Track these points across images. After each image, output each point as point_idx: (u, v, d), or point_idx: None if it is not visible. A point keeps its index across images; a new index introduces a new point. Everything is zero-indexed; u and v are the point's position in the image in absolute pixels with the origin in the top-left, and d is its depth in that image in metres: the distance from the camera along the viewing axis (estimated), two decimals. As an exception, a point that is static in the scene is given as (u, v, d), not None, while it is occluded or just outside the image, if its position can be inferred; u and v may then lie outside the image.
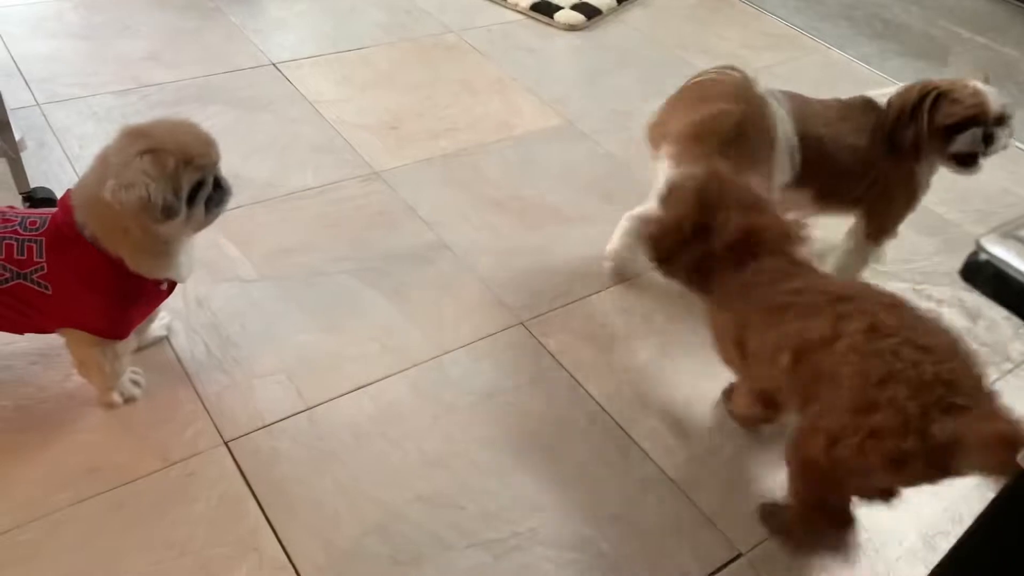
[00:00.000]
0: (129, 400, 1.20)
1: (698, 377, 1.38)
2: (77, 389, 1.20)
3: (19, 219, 1.05)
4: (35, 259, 1.04)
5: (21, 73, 1.85)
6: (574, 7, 2.43)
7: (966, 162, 1.40)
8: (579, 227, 1.68)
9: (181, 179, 1.01)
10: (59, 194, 1.49)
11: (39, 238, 1.04)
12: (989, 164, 2.02)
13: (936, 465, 0.94)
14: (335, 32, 2.20)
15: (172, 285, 1.16)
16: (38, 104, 1.77)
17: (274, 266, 1.48)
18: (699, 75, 1.42)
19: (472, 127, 1.93)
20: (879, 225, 1.51)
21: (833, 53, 2.48)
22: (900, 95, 1.41)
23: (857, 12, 2.80)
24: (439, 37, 2.26)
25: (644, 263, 1.36)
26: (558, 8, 2.41)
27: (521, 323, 1.44)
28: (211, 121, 1.80)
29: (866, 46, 2.57)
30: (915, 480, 1.00)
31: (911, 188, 1.47)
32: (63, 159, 1.63)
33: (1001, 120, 1.37)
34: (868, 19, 2.77)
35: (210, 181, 1.06)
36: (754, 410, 1.25)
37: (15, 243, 1.03)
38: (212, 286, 1.42)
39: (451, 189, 1.73)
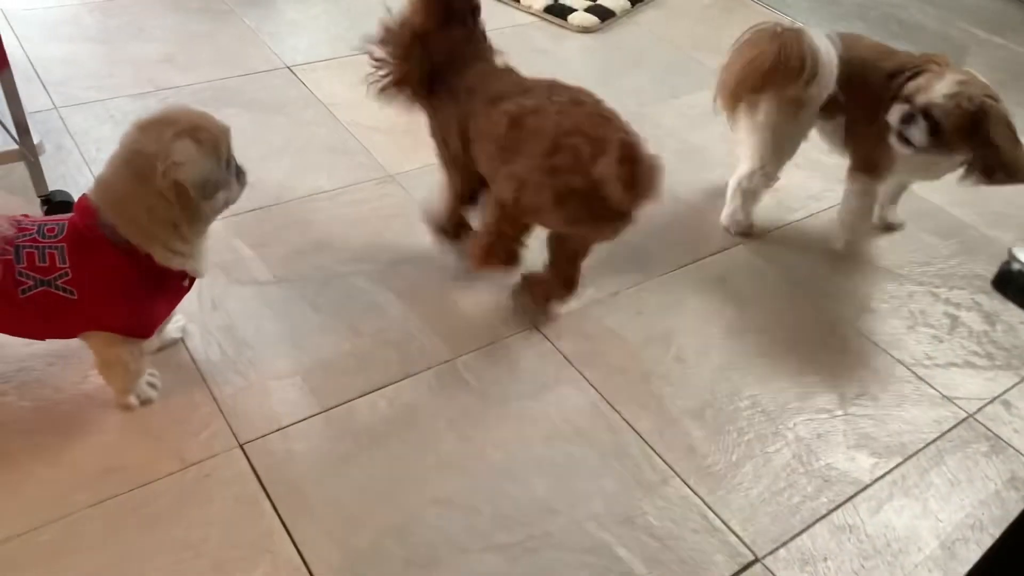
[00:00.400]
0: (145, 402, 1.21)
1: (715, 382, 1.38)
2: (94, 390, 1.21)
3: (36, 227, 1.06)
4: (58, 265, 1.04)
5: (39, 76, 1.86)
6: (587, 9, 2.42)
7: (899, 137, 1.43)
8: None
9: (221, 153, 1.08)
10: (77, 196, 1.51)
11: (60, 244, 1.05)
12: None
13: (593, 201, 1.20)
14: (349, 34, 2.21)
15: (191, 281, 1.16)
16: (56, 107, 1.78)
17: (289, 268, 1.48)
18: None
19: (486, 129, 1.93)
20: (858, 157, 1.59)
21: (848, 54, 2.47)
22: (911, 57, 1.51)
23: (872, 12, 2.79)
24: (453, 39, 2.26)
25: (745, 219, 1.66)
26: (572, 10, 2.41)
27: (535, 326, 1.43)
28: (228, 123, 1.80)
29: (882, 47, 2.55)
30: (578, 217, 1.25)
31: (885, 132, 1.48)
32: (80, 162, 1.64)
33: (926, 113, 1.38)
34: (883, 19, 2.75)
35: (232, 156, 1.13)
36: (454, 219, 1.50)
37: (36, 251, 1.04)
38: (227, 288, 1.42)
39: (465, 191, 1.72)
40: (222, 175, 1.09)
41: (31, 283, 1.04)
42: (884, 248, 1.72)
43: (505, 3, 2.47)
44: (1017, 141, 1.40)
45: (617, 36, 2.41)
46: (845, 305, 1.57)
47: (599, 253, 1.59)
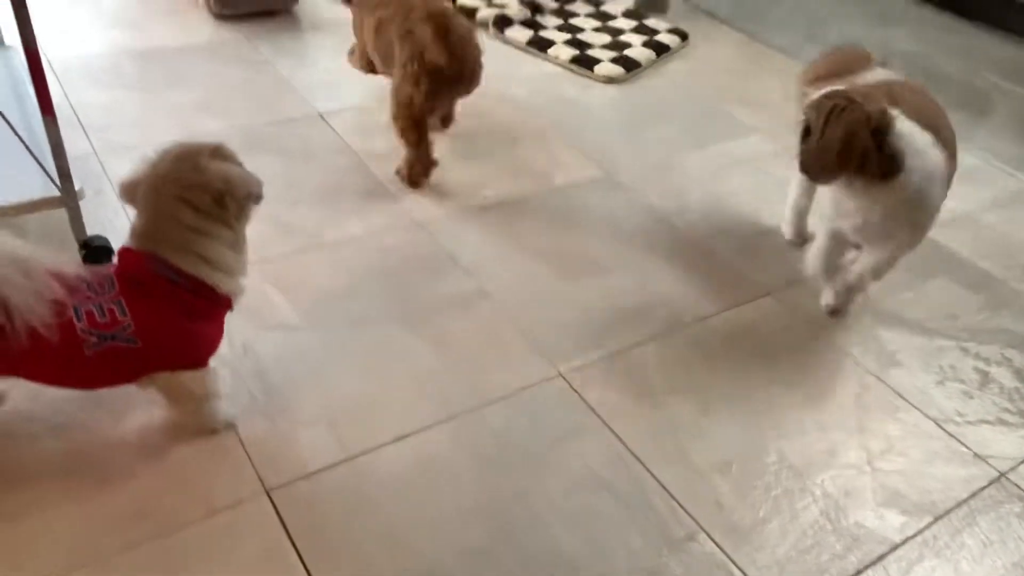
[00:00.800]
0: (229, 426, 1.25)
1: (741, 434, 1.37)
2: (126, 433, 1.23)
3: (84, 284, 1.07)
4: (119, 318, 1.06)
5: (80, 122, 1.92)
6: (613, 60, 2.46)
7: None
8: (620, 277, 1.68)
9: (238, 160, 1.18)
10: (115, 241, 1.54)
11: (117, 298, 1.07)
12: (1036, 219, 2.00)
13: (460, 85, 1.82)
14: (381, 84, 2.26)
15: (229, 305, 1.19)
16: (95, 152, 1.83)
17: (319, 313, 1.50)
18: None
19: (513, 177, 1.96)
20: None
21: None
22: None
23: (897, 63, 2.80)
24: (482, 88, 2.30)
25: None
26: (598, 61, 2.45)
27: (560, 374, 1.44)
28: (260, 171, 1.83)
29: (907, 98, 2.57)
30: (432, 90, 1.75)
31: None
32: (117, 207, 1.68)
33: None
34: (909, 69, 2.75)
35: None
36: (362, 64, 2.09)
37: (94, 308, 1.05)
38: (258, 333, 1.44)
39: (492, 238, 1.75)
40: (254, 177, 1.15)
41: (95, 339, 1.05)
42: (911, 300, 1.72)
43: (533, 54, 2.52)
44: (846, 148, 1.35)
45: (643, 87, 2.44)
46: (872, 358, 1.56)
47: (624, 301, 1.60)
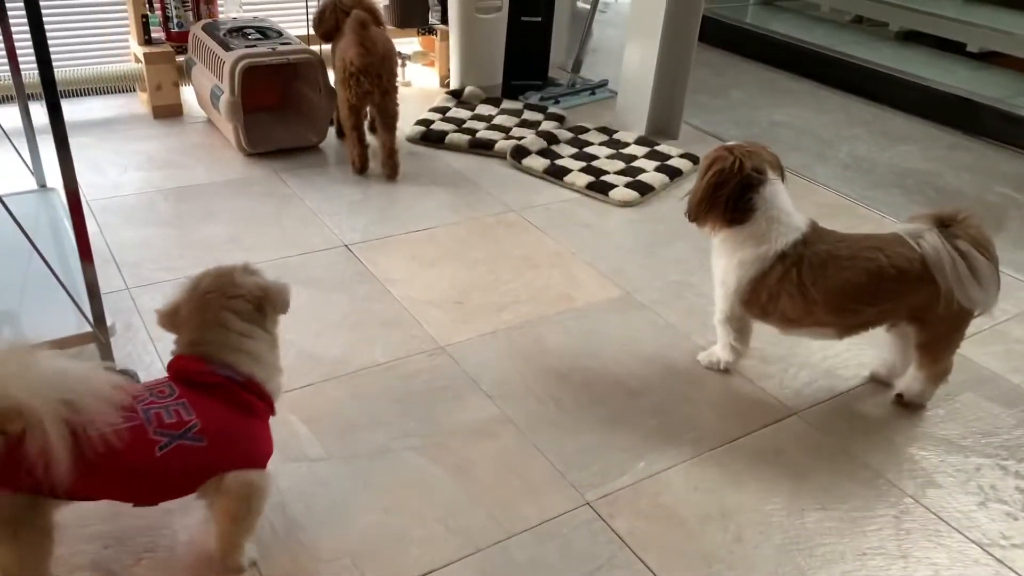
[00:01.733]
0: (251, 564, 1.24)
1: (779, 565, 1.32)
2: (146, 571, 1.20)
3: (146, 393, 1.12)
4: (185, 418, 1.11)
5: (115, 259, 1.99)
6: (628, 185, 2.54)
7: None
8: (643, 399, 1.67)
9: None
10: (143, 374, 1.57)
11: (180, 400, 1.12)
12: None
13: (373, 76, 2.37)
14: (404, 213, 2.33)
15: (272, 406, 1.24)
16: (127, 288, 1.89)
17: (342, 444, 1.49)
18: None
19: (534, 300, 1.98)
20: None
21: (887, 221, 2.52)
22: None
23: (909, 181, 2.86)
24: (501, 216, 2.37)
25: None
26: (613, 186, 2.52)
27: (587, 503, 1.40)
28: (286, 300, 1.89)
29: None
30: (366, 88, 2.37)
31: None
32: (147, 340, 1.72)
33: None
34: (920, 187, 2.82)
35: None
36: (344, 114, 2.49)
37: (162, 410, 1.10)
38: (280, 464, 1.43)
39: (514, 361, 1.75)
40: (284, 285, 1.27)
41: (166, 440, 1.09)
42: (943, 417, 1.68)
43: (550, 181, 2.61)
44: (715, 193, 1.55)
45: (657, 209, 2.50)
46: (908, 479, 1.51)
47: (649, 424, 1.58)
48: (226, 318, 1.18)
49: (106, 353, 1.50)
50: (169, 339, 1.64)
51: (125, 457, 1.05)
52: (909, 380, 1.67)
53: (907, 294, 1.52)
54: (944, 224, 1.48)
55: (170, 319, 1.21)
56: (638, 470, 1.49)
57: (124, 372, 1.54)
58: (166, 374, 1.18)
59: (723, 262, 1.64)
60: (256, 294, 1.20)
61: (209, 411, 1.13)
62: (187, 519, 1.30)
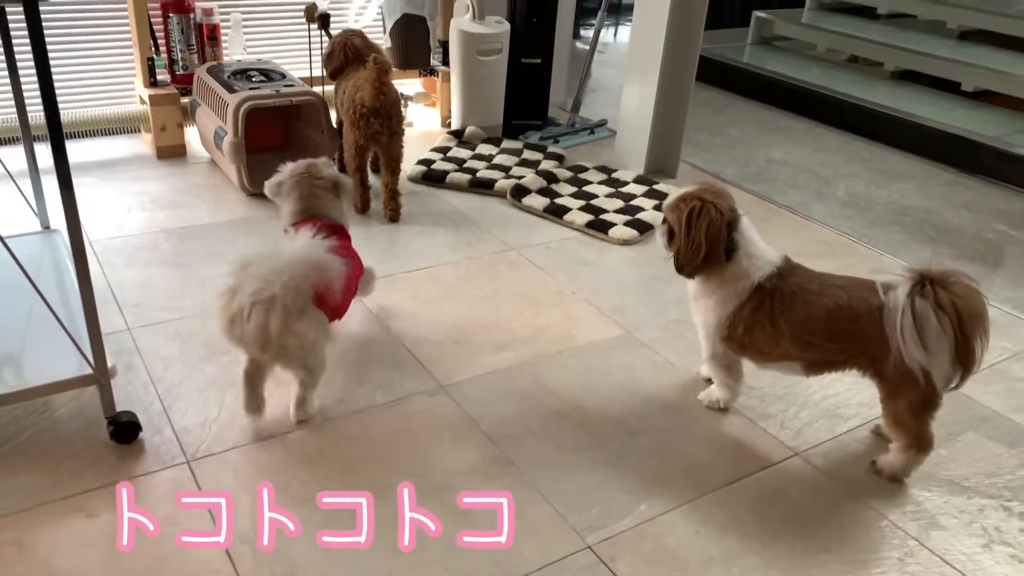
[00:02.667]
0: None
1: (779, 607, 1.30)
2: None
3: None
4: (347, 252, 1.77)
5: (116, 300, 2.00)
6: (627, 223, 2.55)
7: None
8: (645, 439, 1.67)
9: None
10: (142, 419, 1.57)
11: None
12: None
13: (384, 117, 2.43)
14: (405, 252, 2.35)
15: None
16: (128, 328, 1.90)
17: (341, 486, 1.48)
18: None
19: (534, 338, 1.98)
20: None
21: (886, 259, 2.53)
22: None
23: (907, 218, 2.88)
24: (501, 254, 2.38)
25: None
26: (612, 225, 2.54)
27: (588, 547, 1.39)
28: (286, 340, 1.89)
29: (919, 251, 2.62)
30: (375, 128, 2.44)
31: None
32: (148, 382, 1.72)
33: (665, 220, 1.68)
34: (919, 225, 2.83)
35: None
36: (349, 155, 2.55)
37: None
38: (279, 507, 1.42)
39: (514, 401, 1.75)
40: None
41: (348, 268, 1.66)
42: (946, 458, 1.67)
43: (550, 219, 2.62)
44: (699, 241, 1.56)
45: (656, 247, 2.49)
46: (911, 521, 1.50)
47: (650, 465, 1.57)
48: (317, 191, 1.82)
49: (107, 397, 1.50)
50: (168, 382, 1.64)
51: (349, 293, 1.75)
52: (891, 450, 1.61)
53: (861, 338, 1.50)
54: (926, 282, 1.40)
55: (275, 190, 1.86)
56: (639, 512, 1.48)
57: (122, 415, 1.54)
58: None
59: (703, 302, 1.66)
60: (332, 180, 1.85)
61: (345, 246, 1.79)
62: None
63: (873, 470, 1.62)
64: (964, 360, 1.41)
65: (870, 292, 1.51)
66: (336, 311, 1.69)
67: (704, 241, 1.55)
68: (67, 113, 2.83)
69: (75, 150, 2.84)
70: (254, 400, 1.60)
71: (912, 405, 1.51)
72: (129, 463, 1.50)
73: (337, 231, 1.79)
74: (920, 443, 1.55)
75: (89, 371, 1.46)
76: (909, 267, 1.45)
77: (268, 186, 1.86)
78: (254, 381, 1.59)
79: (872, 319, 1.48)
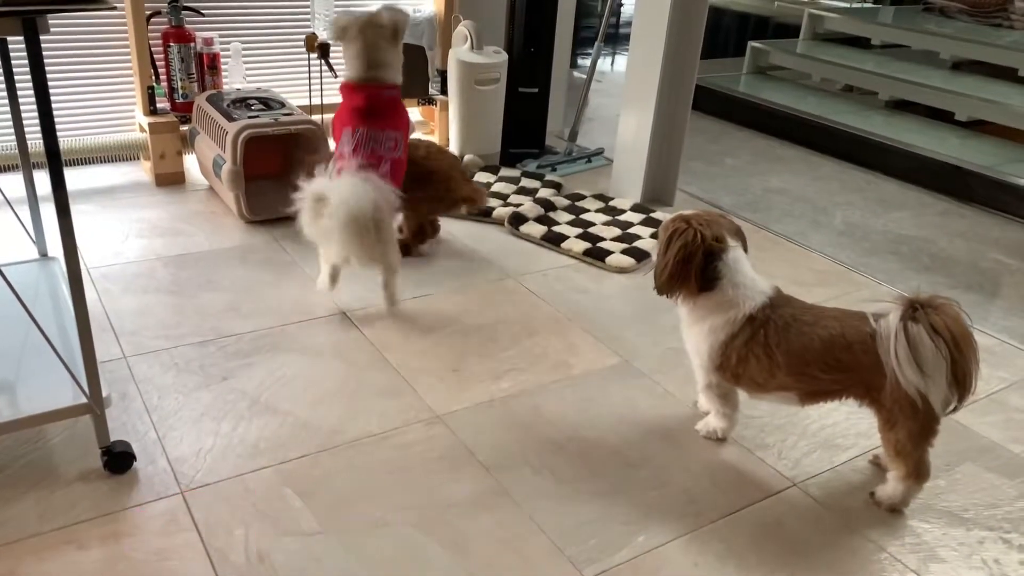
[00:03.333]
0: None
1: (778, 642, 1.29)
2: None
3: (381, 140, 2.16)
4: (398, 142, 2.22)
5: (112, 327, 2.00)
6: (624, 251, 2.56)
7: None
8: (642, 471, 1.66)
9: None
10: (136, 448, 1.56)
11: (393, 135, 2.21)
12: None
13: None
14: (403, 280, 2.35)
15: None
16: (124, 357, 1.89)
17: (337, 517, 1.47)
18: None
19: (531, 368, 1.98)
20: None
21: (883, 288, 2.53)
22: None
23: (903, 247, 2.89)
24: (499, 282, 2.39)
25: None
26: (609, 252, 2.55)
27: None
28: (283, 370, 1.89)
29: (915, 279, 2.62)
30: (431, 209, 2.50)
31: None
32: (142, 410, 1.71)
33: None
34: (915, 254, 2.84)
35: None
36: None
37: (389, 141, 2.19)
38: (274, 539, 1.41)
39: (511, 432, 1.74)
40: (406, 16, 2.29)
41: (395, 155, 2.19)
42: (944, 489, 1.66)
43: (548, 248, 2.63)
44: (680, 266, 1.58)
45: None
46: (910, 554, 1.49)
47: (647, 497, 1.56)
48: (378, 42, 2.12)
49: (101, 426, 1.49)
50: (163, 411, 1.63)
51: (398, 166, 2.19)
52: (889, 480, 1.60)
53: (857, 368, 1.51)
54: (915, 307, 1.42)
55: (340, 33, 2.13)
56: (637, 544, 1.47)
57: (116, 445, 1.53)
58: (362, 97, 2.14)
59: (695, 330, 1.66)
60: (392, 26, 2.13)
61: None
62: None
63: (872, 501, 1.61)
64: (961, 382, 1.42)
65: (861, 321, 1.52)
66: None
67: (672, 261, 1.58)
68: (66, 141, 2.84)
69: (74, 177, 2.85)
70: (333, 284, 2.16)
71: (911, 433, 1.50)
72: (122, 494, 1.49)
73: (393, 100, 2.19)
74: (919, 472, 1.55)
75: (84, 400, 1.46)
76: (898, 295, 1.47)
77: (334, 27, 2.14)
78: (335, 274, 2.16)
79: (866, 347, 1.49)
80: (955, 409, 1.46)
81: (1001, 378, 2.08)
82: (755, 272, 1.63)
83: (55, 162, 1.31)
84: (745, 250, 1.65)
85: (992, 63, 4.56)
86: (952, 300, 1.44)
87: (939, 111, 4.21)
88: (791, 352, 1.55)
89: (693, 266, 1.57)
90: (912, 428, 1.50)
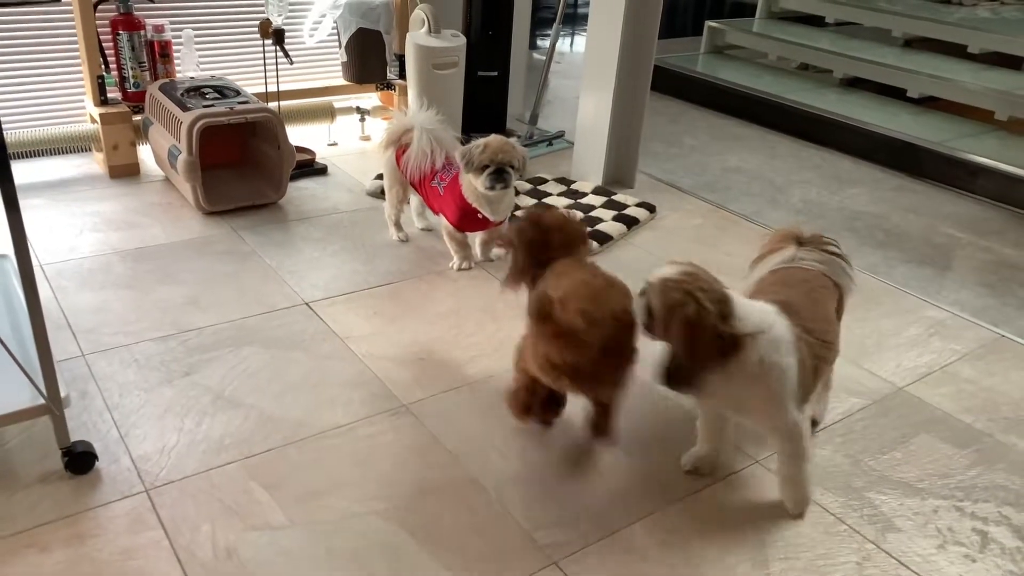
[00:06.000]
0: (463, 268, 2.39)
1: (743, 615, 1.32)
2: None
3: (443, 166, 2.35)
4: (444, 177, 2.33)
5: (70, 325, 1.96)
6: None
7: None
8: (611, 452, 1.68)
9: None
10: (98, 447, 1.54)
11: (452, 172, 2.33)
12: (1011, 369, 2.04)
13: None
14: (366, 268, 2.34)
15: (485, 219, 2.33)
16: (83, 355, 1.86)
17: (304, 510, 1.47)
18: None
19: (496, 352, 1.99)
20: None
21: (840, 264, 2.58)
22: None
23: (859, 223, 2.94)
24: (462, 269, 2.38)
25: None
26: (573, 236, 2.56)
27: (554, 563, 1.40)
28: (246, 363, 1.87)
29: (871, 256, 2.68)
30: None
31: None
32: (103, 408, 1.68)
33: (643, 292, 1.43)
34: (870, 229, 2.90)
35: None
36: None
37: (443, 168, 2.35)
38: (242, 535, 1.41)
39: (478, 418, 1.75)
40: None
41: (435, 179, 2.34)
42: (900, 461, 1.71)
43: (510, 232, 2.63)
44: (696, 352, 1.32)
45: (616, 257, 2.53)
46: (868, 525, 1.54)
47: (616, 478, 1.58)
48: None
49: (60, 427, 1.46)
50: (124, 408, 1.62)
51: (427, 178, 2.35)
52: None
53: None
54: (801, 243, 1.65)
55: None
56: (605, 525, 1.49)
57: (77, 445, 1.51)
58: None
59: (755, 390, 1.41)
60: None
61: (450, 183, 2.30)
62: None
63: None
64: None
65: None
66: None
67: (696, 351, 1.33)
68: (13, 133, 2.76)
69: (23, 171, 2.78)
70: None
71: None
72: (85, 494, 1.47)
73: (455, 176, 2.31)
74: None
75: (41, 401, 1.43)
76: (775, 239, 1.72)
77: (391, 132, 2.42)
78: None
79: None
80: None
81: (953, 350, 2.13)
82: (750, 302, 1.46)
83: (1, 155, 1.27)
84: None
85: (942, 40, 4.65)
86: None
87: (892, 88, 4.28)
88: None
89: (712, 347, 1.33)
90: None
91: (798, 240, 1.67)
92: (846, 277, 1.64)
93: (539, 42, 5.10)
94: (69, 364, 1.81)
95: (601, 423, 1.64)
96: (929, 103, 4.17)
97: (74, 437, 1.52)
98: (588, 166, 3.06)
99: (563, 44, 5.53)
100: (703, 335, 1.32)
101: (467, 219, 2.28)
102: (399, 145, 2.37)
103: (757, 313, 1.41)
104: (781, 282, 1.60)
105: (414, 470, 1.59)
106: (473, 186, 2.21)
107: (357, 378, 1.86)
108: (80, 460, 1.49)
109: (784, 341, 1.41)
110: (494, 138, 2.19)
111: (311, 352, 1.94)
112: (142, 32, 2.78)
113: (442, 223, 2.36)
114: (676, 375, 1.35)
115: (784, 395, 1.42)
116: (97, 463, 1.53)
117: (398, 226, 2.52)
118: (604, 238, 2.58)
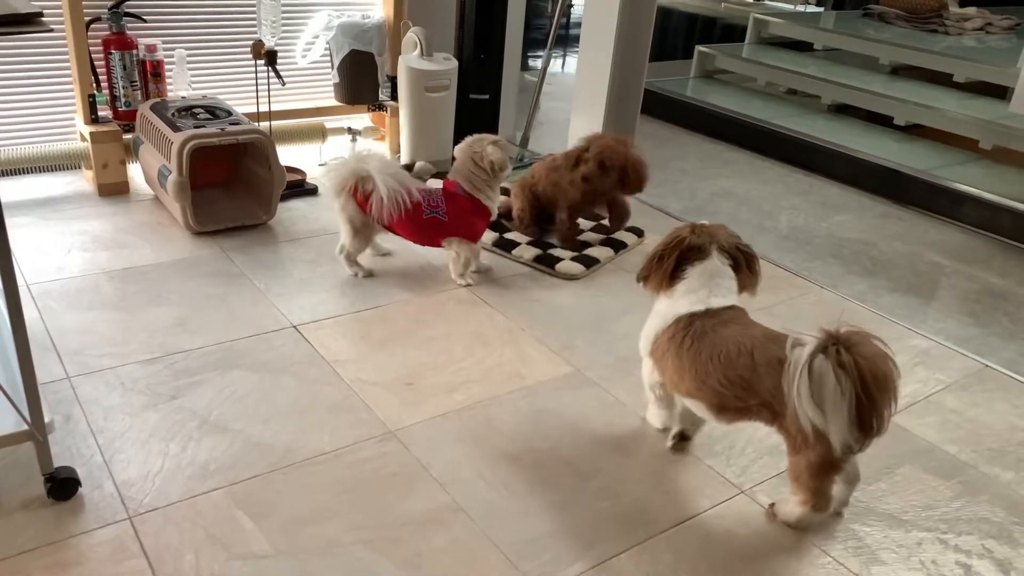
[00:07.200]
0: (487, 269, 2.54)
1: (727, 649, 1.32)
2: None
3: (425, 193, 2.32)
4: (439, 205, 2.33)
5: (55, 347, 1.95)
6: (574, 258, 2.59)
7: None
8: (594, 481, 1.68)
9: (510, 151, 2.55)
10: (81, 473, 1.53)
11: (440, 198, 2.34)
12: (995, 399, 2.06)
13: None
14: (354, 292, 2.34)
15: (490, 214, 2.46)
16: (68, 377, 1.85)
17: (289, 539, 1.46)
18: None
19: (485, 379, 1.99)
20: None
21: (827, 293, 2.60)
22: None
23: (845, 250, 2.97)
24: (451, 292, 2.39)
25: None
26: (559, 260, 2.57)
27: None
28: (233, 387, 1.86)
29: (858, 284, 2.70)
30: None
31: None
32: (87, 433, 1.67)
33: None
34: (856, 256, 2.93)
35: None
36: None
37: (430, 200, 2.32)
38: (225, 564, 1.40)
39: (465, 445, 1.75)
40: (509, 161, 2.37)
41: (427, 211, 2.31)
42: (884, 492, 1.72)
43: (499, 254, 2.64)
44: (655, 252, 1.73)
45: (603, 282, 2.55)
46: (852, 557, 1.54)
47: (601, 508, 1.59)
48: (469, 165, 2.34)
49: (43, 453, 1.45)
50: (109, 433, 1.61)
51: (411, 216, 2.29)
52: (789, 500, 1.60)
53: (758, 389, 1.49)
54: (834, 341, 1.38)
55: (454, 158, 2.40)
56: (590, 556, 1.49)
57: (61, 471, 1.50)
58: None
59: (650, 316, 1.79)
60: (492, 163, 2.32)
61: (452, 205, 2.34)
62: None
63: (770, 511, 1.63)
64: (866, 423, 1.38)
65: (777, 344, 1.48)
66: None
67: (652, 255, 1.73)
68: (2, 150, 2.76)
69: (11, 188, 2.77)
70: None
71: (811, 464, 1.48)
72: (67, 521, 1.46)
73: (459, 198, 2.35)
74: (816, 502, 1.53)
75: (25, 427, 1.42)
76: (823, 327, 1.41)
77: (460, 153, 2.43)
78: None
79: (771, 371, 1.46)
80: (860, 450, 1.45)
81: (938, 380, 2.15)
82: (725, 289, 1.66)
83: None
84: (752, 271, 1.73)
85: (928, 68, 4.71)
86: (877, 338, 1.40)
87: (878, 115, 4.33)
88: (696, 358, 1.59)
89: (665, 263, 1.69)
90: (812, 460, 1.48)
91: (831, 337, 1.41)
92: (797, 397, 1.42)
93: (531, 62, 5.14)
94: (54, 386, 1.80)
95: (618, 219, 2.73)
96: (915, 130, 4.22)
97: (57, 462, 1.50)
98: (578, 190, 3.07)
99: (555, 65, 5.57)
100: (667, 254, 1.71)
101: (480, 225, 2.42)
102: (356, 191, 2.27)
103: (711, 284, 1.67)
104: None
105: (399, 498, 1.59)
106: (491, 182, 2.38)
107: (344, 404, 1.85)
108: (63, 487, 1.48)
109: (685, 309, 1.67)
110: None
111: (299, 377, 1.93)
112: (134, 51, 2.78)
113: (452, 247, 2.39)
114: (639, 270, 1.74)
115: (644, 334, 1.78)
116: (80, 489, 1.52)
117: (358, 264, 2.43)
118: (591, 262, 2.59)
